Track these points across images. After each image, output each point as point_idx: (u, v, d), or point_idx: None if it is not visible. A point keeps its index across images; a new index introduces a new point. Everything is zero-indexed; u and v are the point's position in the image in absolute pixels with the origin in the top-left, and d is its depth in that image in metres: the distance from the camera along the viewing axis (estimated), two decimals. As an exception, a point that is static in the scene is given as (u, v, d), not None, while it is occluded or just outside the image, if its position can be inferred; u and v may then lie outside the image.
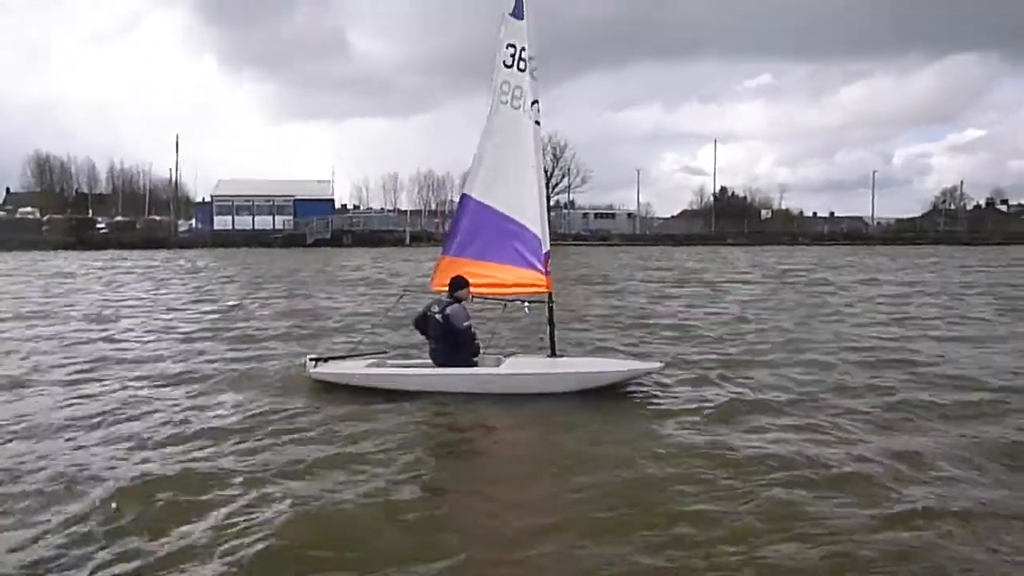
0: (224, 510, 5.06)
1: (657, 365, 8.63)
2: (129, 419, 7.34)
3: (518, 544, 4.63)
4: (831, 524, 4.81)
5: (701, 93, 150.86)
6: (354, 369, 8.61)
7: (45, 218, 63.40)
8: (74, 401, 8.05)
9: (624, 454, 6.22)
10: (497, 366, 8.36)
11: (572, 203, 79.97)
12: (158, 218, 69.77)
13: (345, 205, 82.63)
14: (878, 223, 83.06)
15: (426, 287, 9.33)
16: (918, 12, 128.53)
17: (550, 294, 8.80)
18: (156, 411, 7.61)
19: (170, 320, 15.09)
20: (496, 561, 4.49)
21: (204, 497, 5.29)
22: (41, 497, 5.35)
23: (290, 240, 57.75)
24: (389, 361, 8.98)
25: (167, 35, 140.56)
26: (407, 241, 60.45)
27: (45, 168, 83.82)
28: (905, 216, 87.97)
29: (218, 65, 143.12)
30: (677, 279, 26.73)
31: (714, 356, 10.58)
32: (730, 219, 77.78)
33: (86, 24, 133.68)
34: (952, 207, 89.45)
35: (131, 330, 13.60)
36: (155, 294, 21.08)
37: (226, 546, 4.53)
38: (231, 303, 18.30)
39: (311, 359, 8.79)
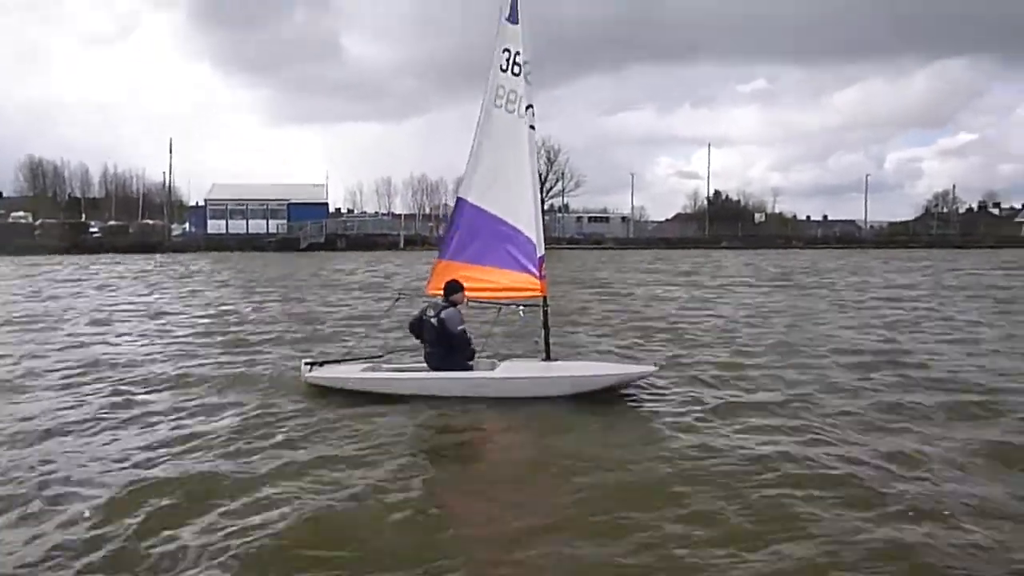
0: (220, 512, 5.08)
1: (651, 368, 8.66)
2: (123, 422, 7.35)
3: (515, 544, 4.67)
4: (823, 524, 4.86)
5: (695, 97, 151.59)
6: (349, 373, 8.62)
7: (38, 222, 63.09)
8: (68, 405, 8.04)
9: (619, 456, 6.26)
10: (492, 370, 8.38)
11: (566, 207, 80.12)
12: (151, 222, 69.51)
13: (339, 209, 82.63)
14: (871, 227, 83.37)
15: (421, 291, 9.35)
16: (910, 16, 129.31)
17: (545, 298, 8.84)
18: (150, 415, 7.61)
19: (163, 324, 15.07)
20: (495, 561, 4.52)
21: (200, 499, 5.30)
22: (35, 500, 5.35)
23: (284, 244, 57.64)
24: (384, 365, 9.00)
25: (161, 39, 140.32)
26: (401, 245, 60.40)
27: (38, 172, 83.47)
28: (898, 220, 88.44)
29: (212, 69, 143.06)
30: (671, 282, 26.80)
31: (707, 358, 10.63)
32: (724, 223, 78.02)
33: (80, 27, 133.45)
34: (944, 211, 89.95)
35: (124, 334, 13.58)
36: (148, 298, 21.03)
37: (222, 548, 4.55)
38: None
39: (306, 363, 8.79)
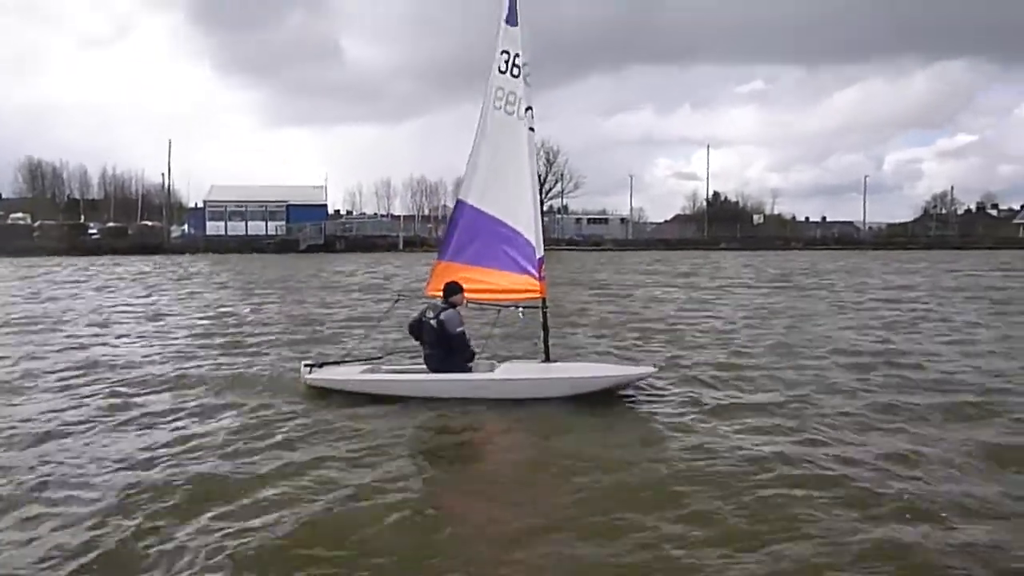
0: (218, 513, 5.10)
1: (650, 369, 8.68)
2: (122, 424, 7.36)
3: (514, 544, 4.70)
4: (820, 524, 4.89)
5: (693, 98, 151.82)
6: (349, 375, 8.63)
7: (36, 224, 63.07)
8: (66, 406, 8.05)
9: (618, 457, 6.29)
10: (491, 371, 8.39)
11: (565, 208, 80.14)
12: (150, 224, 69.52)
13: (338, 211, 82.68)
14: (870, 228, 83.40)
15: (420, 292, 9.37)
16: (908, 17, 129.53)
17: (544, 300, 8.86)
18: (148, 416, 7.62)
19: (162, 326, 15.07)
20: (494, 561, 4.54)
21: (199, 500, 5.32)
22: (34, 501, 5.38)
23: (283, 246, 57.61)
24: (384, 367, 9.01)
25: (159, 40, 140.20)
26: (400, 246, 60.40)
27: (37, 174, 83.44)
28: (896, 221, 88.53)
29: (210, 70, 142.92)
30: (669, 283, 26.82)
31: (706, 359, 10.65)
32: (723, 224, 78.04)
33: (78, 29, 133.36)
34: (943, 212, 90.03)
35: (123, 336, 13.58)
36: (147, 299, 21.03)
37: (221, 549, 4.57)
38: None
39: (306, 365, 8.80)
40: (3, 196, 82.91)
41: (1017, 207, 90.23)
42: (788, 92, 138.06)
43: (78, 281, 28.53)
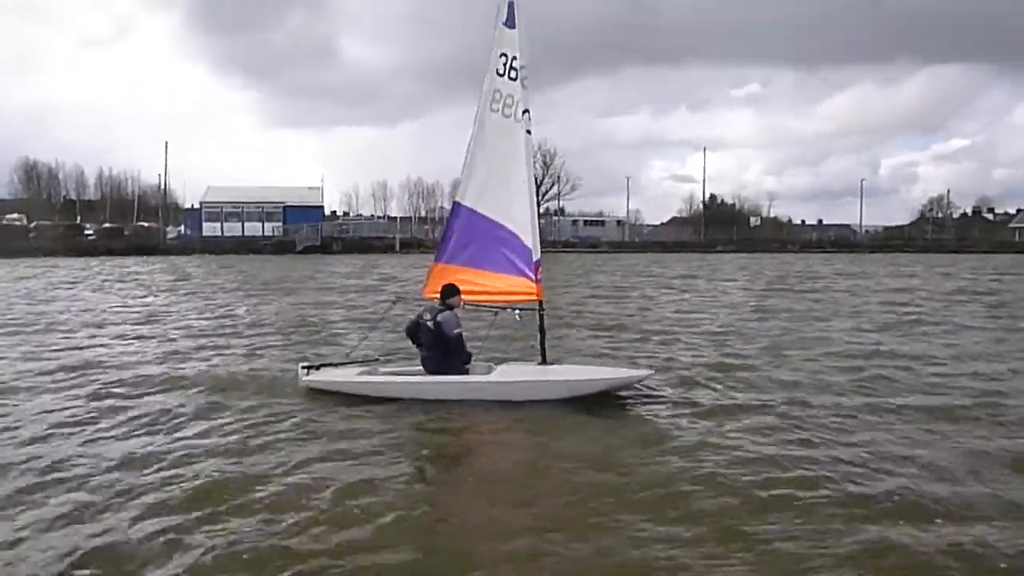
0: (215, 514, 5.10)
1: (647, 372, 8.70)
2: (117, 426, 7.36)
3: (513, 544, 4.73)
4: (816, 524, 4.93)
5: (690, 101, 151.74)
6: (346, 377, 8.64)
7: (32, 224, 62.93)
8: (62, 408, 8.04)
9: (614, 458, 6.31)
10: (488, 374, 8.40)
11: (562, 210, 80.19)
12: (147, 224, 69.41)
13: (335, 212, 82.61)
14: (866, 231, 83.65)
15: (417, 294, 9.38)
16: (904, 21, 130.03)
17: (541, 302, 8.87)
18: (144, 418, 7.61)
19: (158, 327, 15.04)
20: (493, 560, 4.57)
21: (196, 502, 5.32)
22: (30, 500, 5.39)
23: (280, 247, 57.53)
24: (381, 369, 9.01)
25: (157, 41, 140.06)
26: (397, 248, 60.40)
27: (32, 174, 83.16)
28: (893, 224, 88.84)
29: (208, 72, 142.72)
30: (666, 285, 26.87)
31: (702, 361, 10.69)
32: (719, 226, 78.17)
33: (77, 29, 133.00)
34: (939, 215, 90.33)
35: (119, 337, 13.56)
36: (143, 300, 21.00)
37: (219, 549, 4.58)
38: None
39: (303, 367, 8.81)
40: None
41: (1012, 211, 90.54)
42: (784, 95, 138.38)
43: (74, 282, 28.47)
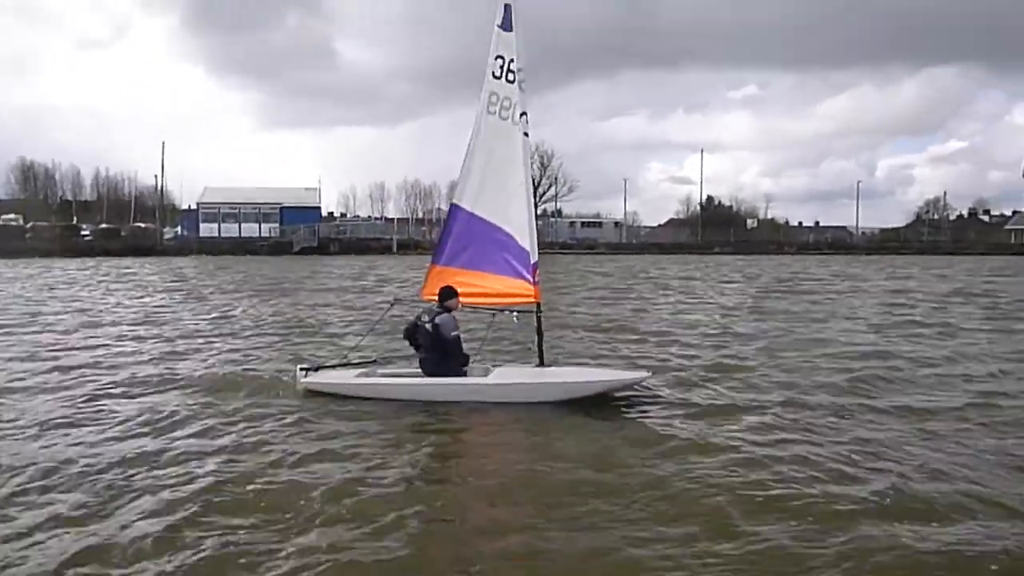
0: (213, 515, 5.11)
1: (644, 374, 8.72)
2: (113, 427, 7.35)
3: (512, 542, 4.76)
4: (811, 522, 4.97)
5: (687, 103, 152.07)
6: (343, 379, 8.65)
7: (29, 225, 62.83)
8: (59, 407, 8.04)
9: (612, 459, 6.33)
10: (486, 376, 8.42)
11: (559, 212, 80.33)
12: (143, 225, 69.32)
13: (332, 213, 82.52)
14: (862, 233, 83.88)
15: (415, 296, 9.40)
16: (901, 23, 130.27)
17: (538, 304, 8.88)
18: (141, 420, 7.59)
19: (155, 328, 15.02)
20: (492, 558, 4.59)
21: (194, 503, 5.32)
22: (25, 499, 5.42)
23: (276, 248, 57.53)
24: (379, 370, 9.02)
25: (155, 43, 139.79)
26: (394, 249, 60.40)
27: (29, 175, 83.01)
28: (889, 226, 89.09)
29: (205, 73, 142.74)
30: (664, 287, 26.91)
31: (699, 363, 10.72)
32: (716, 228, 78.34)
33: (74, 31, 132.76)
34: (935, 217, 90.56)
35: (116, 337, 13.54)
36: (139, 301, 20.99)
37: (216, 548, 4.59)
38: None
39: (301, 369, 8.81)
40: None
41: (1008, 213, 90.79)
42: (781, 97, 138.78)
43: (70, 283, 28.43)
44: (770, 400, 8.43)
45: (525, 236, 8.89)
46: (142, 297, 22.46)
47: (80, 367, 10.37)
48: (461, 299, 8.62)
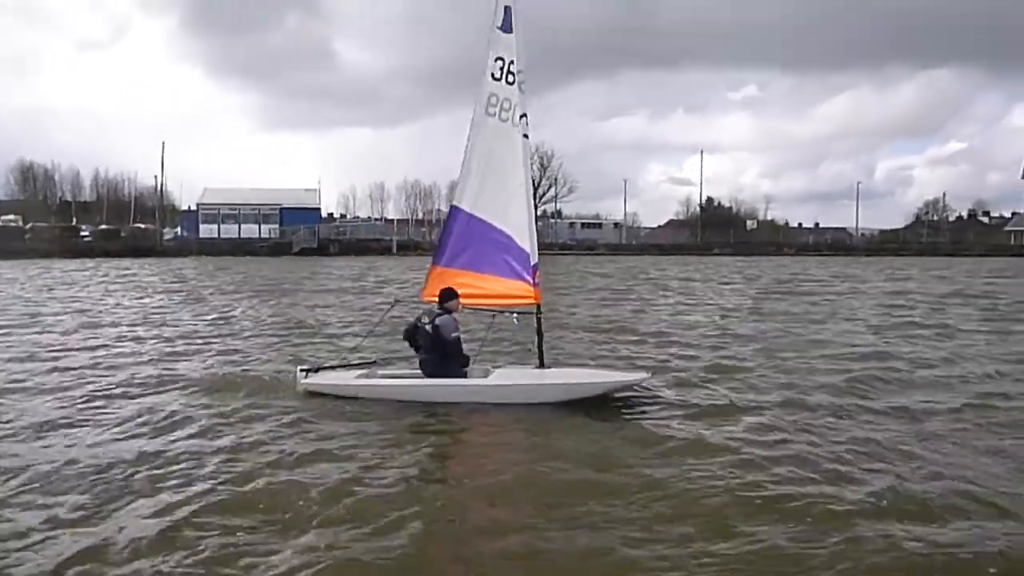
0: (212, 516, 5.12)
1: (644, 376, 8.73)
2: (111, 428, 7.35)
3: (511, 541, 4.78)
4: (810, 522, 4.99)
5: (687, 104, 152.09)
6: (344, 380, 8.66)
7: (28, 226, 62.82)
8: (58, 408, 8.04)
9: (611, 460, 6.34)
10: (485, 377, 8.44)
11: (559, 213, 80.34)
12: (143, 226, 69.34)
13: (332, 214, 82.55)
14: (862, 234, 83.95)
15: (415, 297, 9.41)
16: (900, 24, 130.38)
17: (538, 306, 8.89)
18: (138, 421, 7.59)
19: (154, 329, 15.04)
20: (492, 557, 4.62)
21: (193, 504, 5.33)
22: (23, 499, 5.44)
23: (276, 249, 57.54)
24: (379, 371, 9.02)
25: (154, 44, 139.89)
26: (394, 250, 60.40)
27: (29, 176, 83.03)
28: (889, 227, 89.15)
29: (205, 74, 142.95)
30: (663, 288, 26.93)
31: (698, 364, 10.74)
32: (716, 229, 78.39)
33: (74, 32, 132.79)
34: (935, 219, 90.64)
35: (115, 338, 13.54)
36: (139, 302, 21.00)
37: (215, 548, 4.60)
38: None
39: (301, 370, 8.82)
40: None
41: (1007, 214, 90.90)
42: (781, 98, 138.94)
43: (69, 284, 28.44)
44: (769, 401, 8.45)
45: (525, 238, 8.91)
46: (141, 298, 22.46)
47: (79, 368, 10.38)
48: (461, 300, 8.63)
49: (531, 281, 8.83)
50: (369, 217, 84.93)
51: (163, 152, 68.21)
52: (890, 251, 69.64)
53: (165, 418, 7.67)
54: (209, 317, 17.21)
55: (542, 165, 74.51)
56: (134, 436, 7.09)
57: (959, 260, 55.85)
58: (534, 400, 8.11)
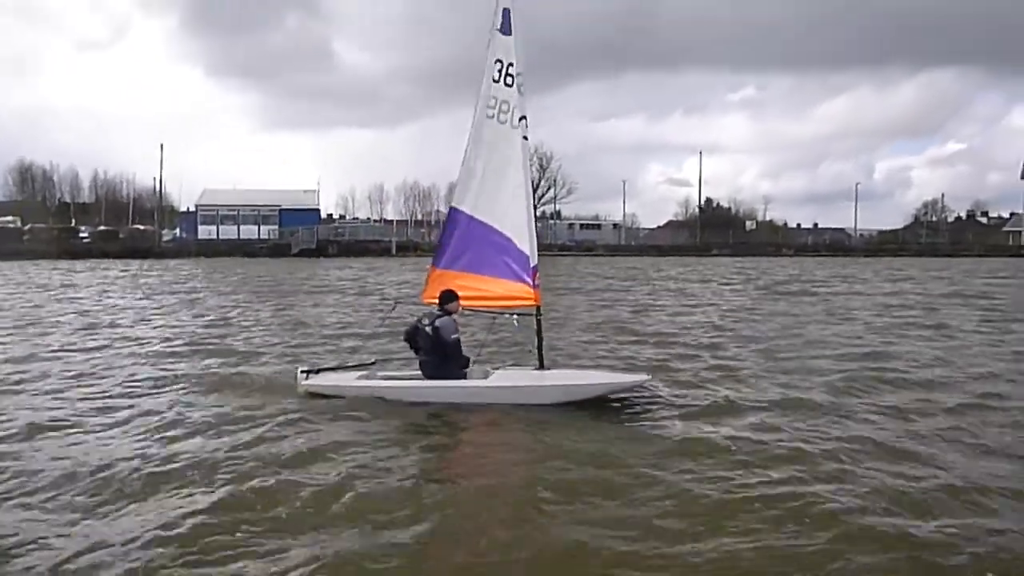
0: (212, 517, 5.12)
1: (643, 377, 8.73)
2: (109, 429, 7.36)
3: (511, 541, 4.79)
4: (808, 522, 5.02)
5: (686, 105, 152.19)
6: (344, 381, 8.67)
7: (27, 227, 62.78)
8: (58, 408, 8.06)
9: (610, 460, 6.35)
10: (485, 378, 8.45)
11: (558, 214, 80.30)
12: (142, 227, 69.30)
13: (331, 215, 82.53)
14: (861, 235, 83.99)
15: (415, 298, 9.42)
16: (900, 25, 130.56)
17: (538, 307, 8.90)
18: (137, 422, 7.60)
19: (153, 330, 15.05)
20: (492, 556, 4.64)
21: (192, 505, 5.34)
22: (21, 499, 5.45)
23: (275, 250, 57.54)
24: (379, 373, 9.04)
25: (154, 45, 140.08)
26: (393, 251, 60.40)
27: (27, 177, 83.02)
28: (887, 228, 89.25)
29: (204, 75, 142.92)
30: (663, 289, 26.95)
31: (698, 365, 10.76)
32: (715, 230, 78.43)
33: (73, 33, 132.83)
34: (934, 219, 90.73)
35: (115, 339, 13.55)
36: (138, 303, 21.00)
37: (214, 548, 4.62)
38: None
39: (301, 371, 8.83)
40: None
41: (1006, 215, 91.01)
42: (780, 99, 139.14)
43: (68, 285, 28.43)
44: (767, 401, 8.46)
45: (524, 240, 8.92)
46: (140, 299, 22.46)
47: (79, 368, 10.39)
48: (461, 302, 8.64)
49: (531, 283, 8.84)
50: (368, 218, 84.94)
51: (162, 153, 68.10)
52: (889, 252, 69.69)
53: (164, 418, 7.68)
54: (208, 318, 17.22)
55: (541, 166, 74.56)
56: (134, 436, 7.10)
57: (958, 260, 55.93)
58: (534, 401, 8.12)
